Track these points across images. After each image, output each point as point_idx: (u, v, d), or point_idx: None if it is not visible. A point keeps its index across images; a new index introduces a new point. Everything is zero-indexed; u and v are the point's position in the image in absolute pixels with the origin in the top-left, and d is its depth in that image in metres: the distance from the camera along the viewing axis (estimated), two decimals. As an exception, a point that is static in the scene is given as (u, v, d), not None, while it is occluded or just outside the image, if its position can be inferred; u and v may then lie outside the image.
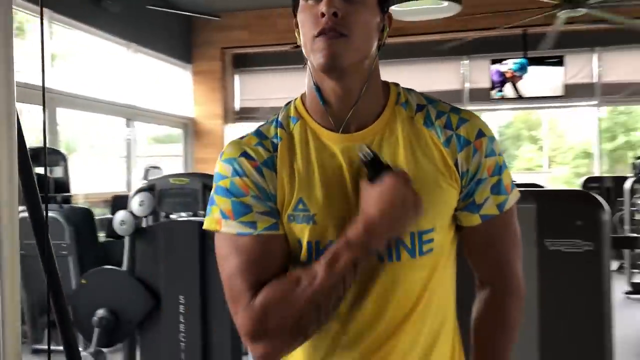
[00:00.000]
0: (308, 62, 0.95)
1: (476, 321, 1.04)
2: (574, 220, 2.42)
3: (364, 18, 0.90)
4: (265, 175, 0.95)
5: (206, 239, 2.87)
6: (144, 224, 2.99)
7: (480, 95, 8.26)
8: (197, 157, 9.24)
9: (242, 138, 1.01)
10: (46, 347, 4.39)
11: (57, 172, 5.19)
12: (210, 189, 2.96)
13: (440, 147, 0.94)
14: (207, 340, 2.87)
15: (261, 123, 1.04)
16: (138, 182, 7.14)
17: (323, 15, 0.87)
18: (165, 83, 8.98)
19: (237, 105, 9.71)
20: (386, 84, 1.00)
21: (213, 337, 2.87)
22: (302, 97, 1.02)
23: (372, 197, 0.86)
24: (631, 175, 6.72)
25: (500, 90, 7.97)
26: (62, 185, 4.91)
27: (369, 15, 0.91)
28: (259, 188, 0.94)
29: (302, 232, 0.93)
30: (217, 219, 0.96)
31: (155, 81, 8.50)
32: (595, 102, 8.17)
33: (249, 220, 0.93)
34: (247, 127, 10.59)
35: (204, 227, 1.00)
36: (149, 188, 2.89)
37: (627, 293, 6.09)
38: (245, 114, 9.68)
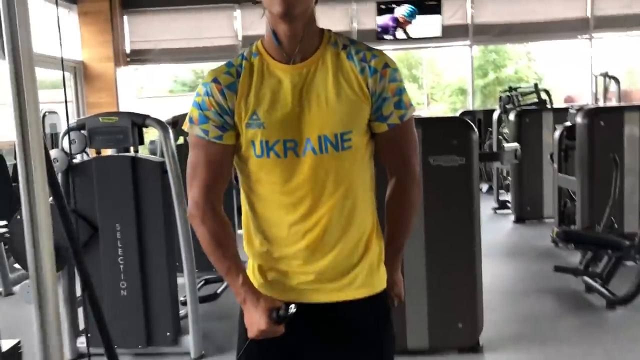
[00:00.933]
0: (265, 11, 1.33)
1: (387, 202, 1.50)
2: (450, 140, 3.00)
3: None
4: (227, 95, 1.33)
5: (138, 171, 3.16)
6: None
7: (367, 37, 8.81)
8: (89, 102, 9.04)
9: (217, 67, 1.38)
10: None
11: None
12: (138, 127, 3.25)
13: (357, 74, 1.35)
14: (144, 262, 3.21)
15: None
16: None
17: None
18: (49, 25, 8.61)
19: (128, 48, 9.53)
20: (321, 29, 1.41)
21: (150, 259, 3.22)
22: (262, 39, 1.40)
23: (259, 315, 1.31)
24: (498, 108, 7.65)
25: (394, 34, 8.67)
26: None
27: None
28: (220, 106, 1.33)
29: (256, 134, 1.33)
30: (186, 122, 1.37)
31: (37, 23, 8.13)
32: (468, 43, 9.02)
33: (205, 129, 1.34)
34: (139, 70, 10.41)
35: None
36: (79, 127, 3.10)
37: (494, 209, 7.08)
38: (136, 56, 9.53)
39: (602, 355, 3.06)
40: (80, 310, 3.33)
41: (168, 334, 3.25)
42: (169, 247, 3.24)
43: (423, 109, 24.79)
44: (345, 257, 1.38)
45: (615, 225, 4.26)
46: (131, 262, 3.19)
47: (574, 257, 4.93)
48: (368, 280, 1.41)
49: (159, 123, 3.19)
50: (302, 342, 1.40)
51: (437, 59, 21.08)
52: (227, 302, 4.01)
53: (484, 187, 8.17)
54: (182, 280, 3.35)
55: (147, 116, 3.18)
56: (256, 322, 1.31)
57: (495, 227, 6.30)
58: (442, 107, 23.46)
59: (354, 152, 1.37)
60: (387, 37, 8.76)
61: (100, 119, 3.12)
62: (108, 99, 9.07)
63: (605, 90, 8.23)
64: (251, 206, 1.42)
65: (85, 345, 2.64)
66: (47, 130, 6.13)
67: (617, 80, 8.22)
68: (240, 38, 9.03)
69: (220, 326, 3.69)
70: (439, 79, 23.77)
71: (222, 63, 1.40)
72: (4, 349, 1.60)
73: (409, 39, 8.84)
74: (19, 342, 1.71)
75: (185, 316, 3.37)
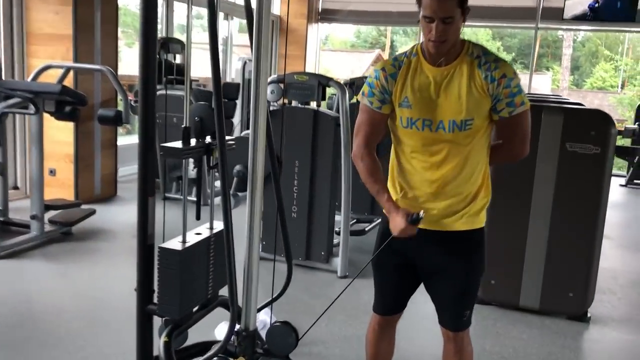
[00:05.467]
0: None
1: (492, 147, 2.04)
2: (589, 130, 3.33)
3: (455, 27, 1.84)
4: (389, 81, 1.95)
5: (317, 122, 3.94)
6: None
7: (553, 14, 8.75)
8: (280, 52, 10.14)
9: (387, 59, 2.00)
10: (173, 195, 5.70)
11: (179, 59, 6.29)
12: (323, 87, 4.08)
13: (482, 80, 1.89)
14: (313, 194, 4.02)
15: (399, 52, 2.03)
16: (234, 71, 8.18)
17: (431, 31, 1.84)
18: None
19: (320, 6, 10.41)
20: (462, 41, 1.96)
21: (317, 193, 4.02)
22: (421, 43, 1.99)
23: (399, 220, 1.87)
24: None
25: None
26: (182, 69, 5.98)
27: (457, 23, 1.84)
28: (383, 87, 1.95)
29: (404, 112, 1.94)
30: (360, 95, 2.01)
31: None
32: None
33: (370, 100, 1.97)
34: (327, 28, 11.23)
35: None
36: (279, 80, 3.93)
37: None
38: (326, 15, 10.42)
39: None
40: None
41: (322, 253, 4.06)
42: (333, 187, 4.01)
43: (614, 93, 23.05)
44: (457, 202, 1.98)
45: None
46: (303, 192, 4.01)
47: None
48: (469, 220, 1.99)
49: (339, 85, 3.91)
50: (416, 254, 2.05)
51: (640, 41, 19.43)
52: (371, 239, 4.74)
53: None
54: (338, 218, 4.12)
55: (331, 79, 3.92)
56: (398, 223, 1.91)
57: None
58: (633, 93, 21.63)
59: (474, 132, 1.93)
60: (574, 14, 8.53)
61: (295, 76, 3.91)
62: (297, 52, 10.11)
63: None
64: (397, 157, 2.05)
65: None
66: (246, 76, 7.23)
67: None
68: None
69: (363, 257, 4.43)
70: (638, 63, 21.87)
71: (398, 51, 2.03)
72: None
73: (598, 20, 8.60)
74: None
75: (337, 244, 4.16)
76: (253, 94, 1.96)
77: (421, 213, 1.88)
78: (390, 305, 2.18)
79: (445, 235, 1.99)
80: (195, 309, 2.10)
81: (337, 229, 4.23)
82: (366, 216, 5.00)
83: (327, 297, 3.66)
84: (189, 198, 2.40)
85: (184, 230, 2.06)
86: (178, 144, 2.03)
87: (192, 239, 2.06)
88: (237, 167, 4.04)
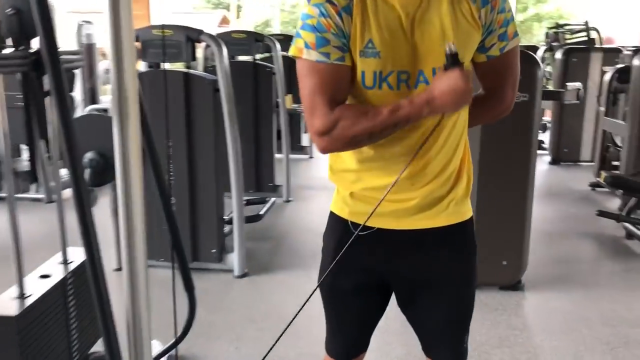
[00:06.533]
0: None
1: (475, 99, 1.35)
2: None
3: None
4: (343, 18, 1.26)
5: (190, 87, 3.12)
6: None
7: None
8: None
9: None
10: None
11: None
12: (193, 41, 3.16)
13: (470, 4, 1.29)
14: (194, 177, 3.22)
15: None
16: (71, 37, 6.91)
17: None
18: None
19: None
20: None
21: (199, 177, 3.23)
22: None
23: (442, 80, 1.19)
24: (544, 44, 7.37)
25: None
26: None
27: None
28: (338, 27, 1.25)
29: (369, 64, 1.27)
30: (300, 48, 1.27)
31: None
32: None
33: (325, 52, 1.25)
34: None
35: (289, 53, 1.31)
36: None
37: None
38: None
39: (645, 301, 3.07)
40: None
41: (213, 250, 3.31)
42: (217, 166, 3.24)
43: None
44: (440, 186, 1.36)
45: (664, 174, 4.18)
46: (181, 179, 3.20)
47: (612, 203, 4.90)
48: (457, 209, 1.39)
49: (213, 40, 3.10)
50: (390, 266, 1.41)
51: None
52: (269, 223, 4.06)
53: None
54: (226, 200, 3.38)
55: (202, 31, 3.09)
56: (452, 82, 1.19)
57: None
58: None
59: None
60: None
61: (153, 31, 3.04)
62: (142, 11, 8.90)
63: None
64: None
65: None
66: (84, 41, 6.05)
67: (597, 30, 7.84)
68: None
69: (262, 246, 3.75)
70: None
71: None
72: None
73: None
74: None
75: (229, 233, 3.42)
76: (112, 50, 1.19)
77: (450, 46, 1.20)
78: (352, 343, 1.54)
79: (427, 234, 1.38)
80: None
81: (225, 217, 3.49)
82: (256, 196, 4.28)
83: (228, 308, 2.94)
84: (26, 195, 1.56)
85: (20, 275, 1.25)
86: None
87: (36, 287, 1.26)
88: (88, 155, 3.11)
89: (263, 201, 4.18)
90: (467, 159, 1.43)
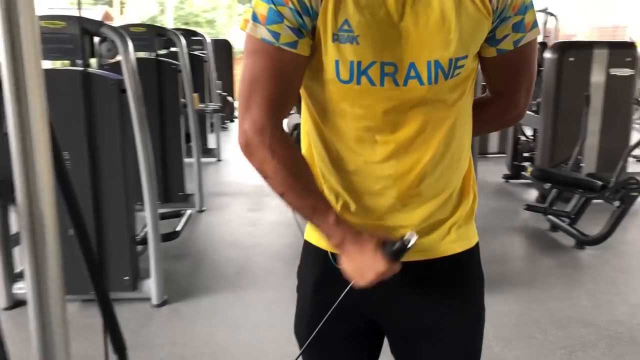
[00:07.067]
0: None
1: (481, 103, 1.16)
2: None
3: None
4: None
5: (91, 89, 2.65)
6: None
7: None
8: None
9: None
10: None
11: None
12: (91, 35, 2.68)
13: None
14: (98, 194, 2.76)
15: None
16: None
17: None
18: None
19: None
20: None
21: (104, 192, 2.77)
22: None
23: (371, 257, 0.97)
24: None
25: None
26: None
27: None
28: (300, 2, 0.95)
29: (344, 51, 0.97)
30: (246, 20, 0.98)
31: None
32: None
33: (275, 30, 0.96)
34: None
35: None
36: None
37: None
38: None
39: (586, 296, 3.02)
40: (16, 250, 2.86)
41: (126, 278, 2.86)
42: (126, 179, 2.79)
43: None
44: (440, 207, 1.10)
45: (582, 165, 4.25)
46: (84, 196, 2.72)
47: (527, 194, 4.95)
48: (461, 233, 1.14)
49: (116, 33, 2.65)
50: (383, 307, 1.13)
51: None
52: (184, 238, 3.63)
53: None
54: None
55: (102, 23, 2.63)
56: (369, 264, 0.98)
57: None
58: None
59: (464, 80, 1.05)
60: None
61: (42, 22, 2.54)
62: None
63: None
64: (323, 143, 1.08)
65: (24, 291, 2.23)
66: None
67: (555, 17, 8.31)
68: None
69: (180, 266, 3.35)
70: None
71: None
72: None
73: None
74: None
75: (142, 253, 2.99)
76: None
77: (410, 237, 0.97)
78: None
79: (427, 267, 1.11)
80: None
81: (137, 236, 3.04)
82: (165, 208, 3.83)
83: (150, 345, 2.53)
84: None
85: None
86: None
87: None
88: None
89: (178, 214, 3.74)
90: (470, 173, 1.18)
